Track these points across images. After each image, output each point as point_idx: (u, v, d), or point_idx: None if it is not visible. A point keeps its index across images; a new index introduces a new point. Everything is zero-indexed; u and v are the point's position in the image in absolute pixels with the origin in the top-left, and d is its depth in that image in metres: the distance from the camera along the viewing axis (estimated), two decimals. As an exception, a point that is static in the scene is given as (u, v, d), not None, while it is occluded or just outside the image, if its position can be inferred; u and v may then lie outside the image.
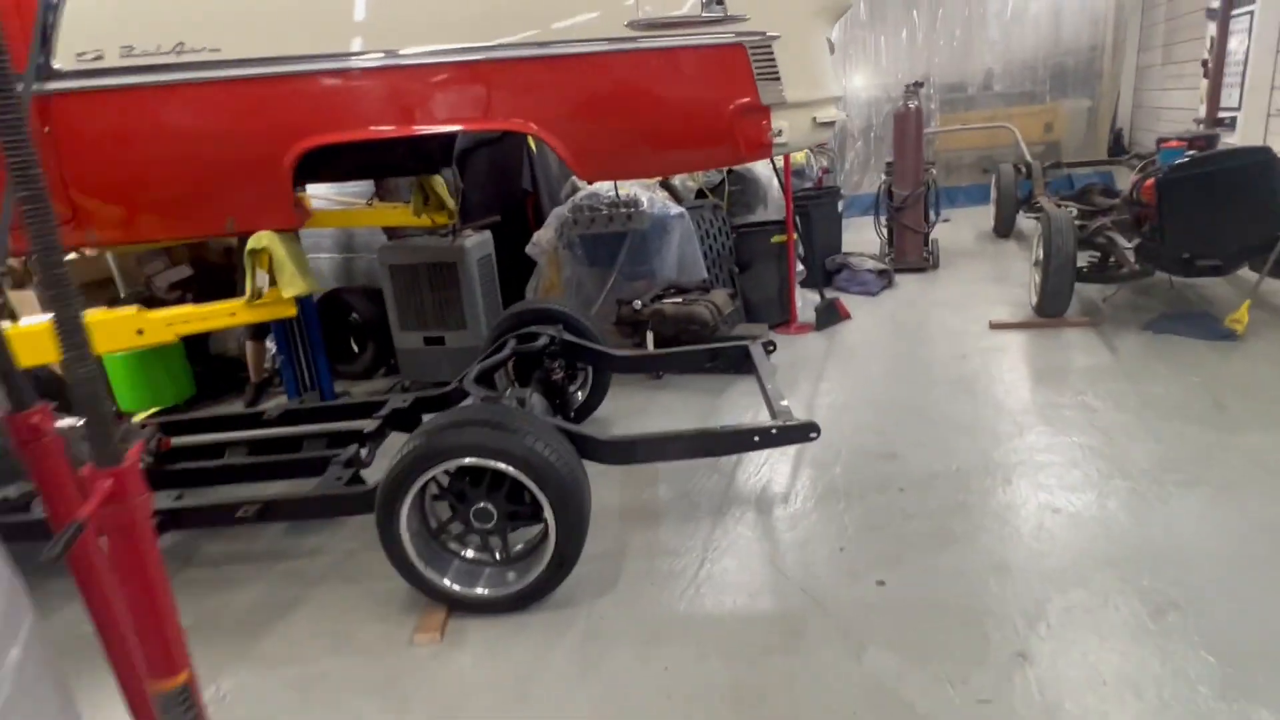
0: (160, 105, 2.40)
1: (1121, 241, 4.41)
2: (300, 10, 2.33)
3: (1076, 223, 5.19)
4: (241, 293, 3.17)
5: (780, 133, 2.21)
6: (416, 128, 2.19)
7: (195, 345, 5.03)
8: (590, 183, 4.67)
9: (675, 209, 4.70)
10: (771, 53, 2.17)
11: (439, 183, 3.86)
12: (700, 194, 5.83)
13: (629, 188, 4.78)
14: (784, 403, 2.91)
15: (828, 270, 6.23)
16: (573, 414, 3.88)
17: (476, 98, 2.14)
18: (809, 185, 7.05)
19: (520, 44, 2.10)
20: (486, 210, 5.25)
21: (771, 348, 3.69)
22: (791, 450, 3.47)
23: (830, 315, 5.32)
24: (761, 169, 5.85)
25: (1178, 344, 4.33)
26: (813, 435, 2.73)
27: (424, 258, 4.57)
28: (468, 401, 3.06)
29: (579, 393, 3.94)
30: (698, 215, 5.05)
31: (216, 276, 5.06)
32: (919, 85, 6.55)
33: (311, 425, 3.69)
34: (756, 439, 2.75)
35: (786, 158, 5.10)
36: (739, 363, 3.65)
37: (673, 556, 2.82)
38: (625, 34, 2.11)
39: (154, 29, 2.33)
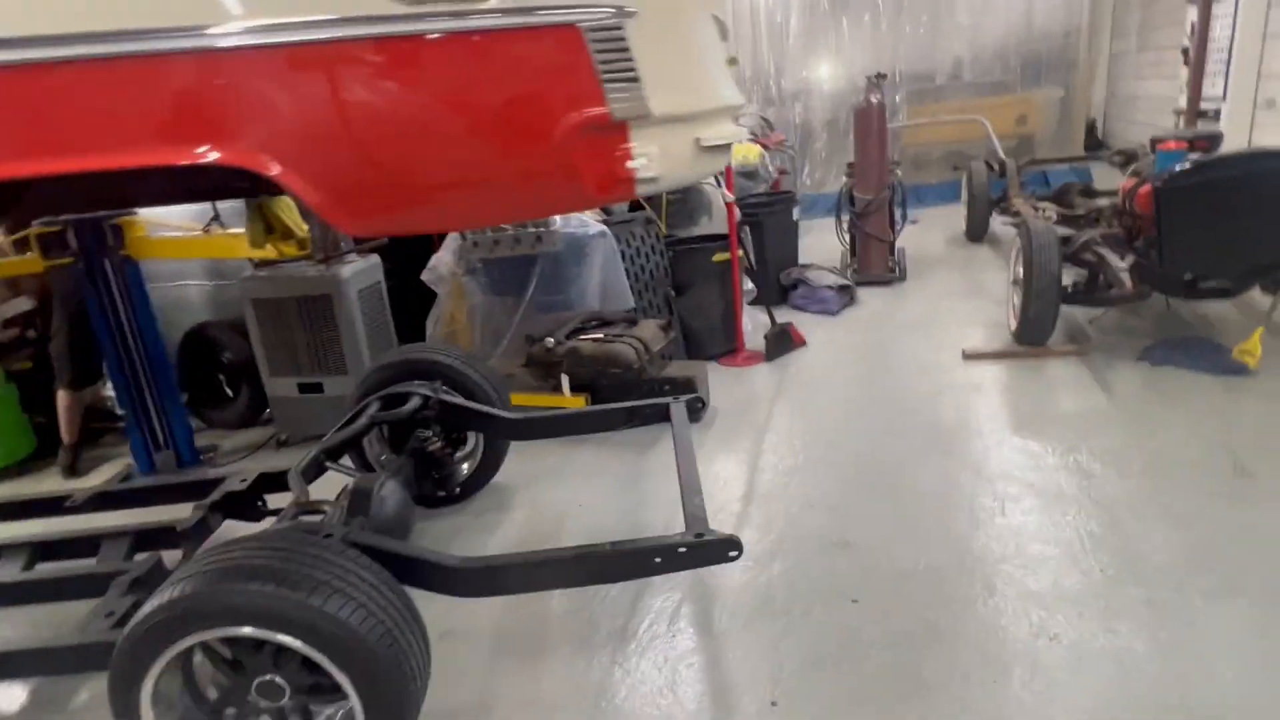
0: None
1: (1113, 260, 3.79)
2: None
3: (1060, 232, 4.57)
4: None
5: (646, 161, 1.45)
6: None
7: (40, 392, 4.22)
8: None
9: (595, 227, 3.98)
10: (624, 41, 1.40)
11: (284, 205, 3.10)
12: (635, 205, 5.11)
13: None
14: (698, 500, 2.22)
15: (783, 286, 5.55)
16: (457, 489, 3.16)
17: (149, 117, 1.40)
18: (763, 190, 6.36)
19: (229, 30, 1.36)
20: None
21: (700, 405, 3.00)
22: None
23: (782, 343, 4.64)
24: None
25: (1180, 379, 3.71)
26: (732, 555, 2.04)
27: (293, 290, 3.81)
28: (286, 507, 2.32)
29: (465, 464, 3.22)
30: (626, 231, 4.34)
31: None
32: (881, 77, 5.88)
33: (128, 511, 2.97)
34: (659, 560, 2.05)
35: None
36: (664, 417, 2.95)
37: (554, 713, 2.12)
38: (395, 10, 1.35)
39: None
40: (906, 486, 3.02)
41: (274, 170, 1.35)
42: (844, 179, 6.07)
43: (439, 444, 3.00)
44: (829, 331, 5.01)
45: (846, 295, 5.44)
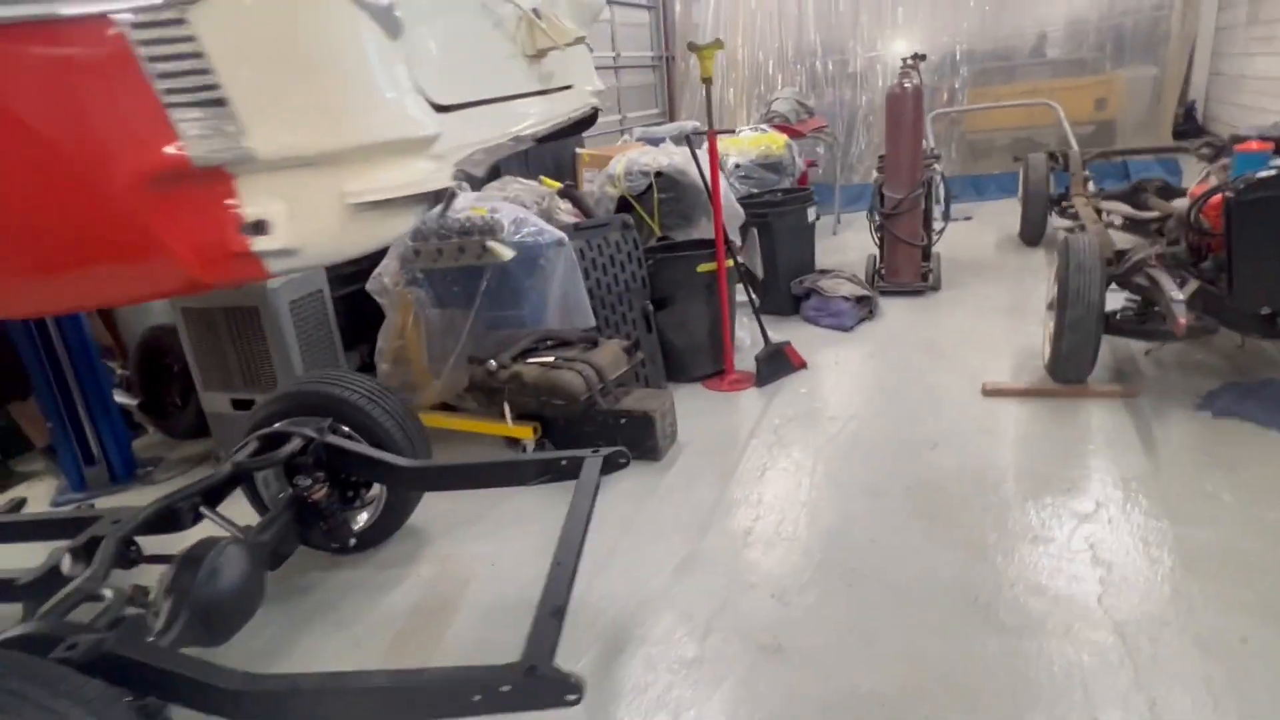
0: None
1: (1168, 287, 3.09)
2: None
3: (1117, 244, 3.86)
4: None
5: (265, 228, 1.01)
6: None
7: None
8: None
9: (552, 234, 3.51)
10: (192, 40, 0.94)
11: None
12: (623, 205, 4.62)
13: (495, 202, 3.61)
14: (555, 616, 1.76)
15: (794, 296, 4.97)
16: (351, 541, 2.78)
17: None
18: (784, 185, 5.74)
19: None
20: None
21: (623, 461, 2.51)
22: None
23: (776, 366, 4.09)
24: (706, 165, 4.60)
25: (1247, 438, 3.01)
26: (570, 699, 1.58)
27: (221, 300, 3.50)
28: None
29: (364, 513, 2.83)
30: (599, 237, 3.86)
31: None
32: (920, 58, 5.16)
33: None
34: (478, 699, 1.61)
35: (712, 144, 3.82)
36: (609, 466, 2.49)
37: None
38: None
39: None
40: (872, 575, 2.47)
41: None
42: (875, 174, 5.39)
43: (323, 491, 2.62)
44: (837, 350, 4.42)
45: (865, 308, 4.81)
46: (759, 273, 4.93)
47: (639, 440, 3.36)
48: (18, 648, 1.64)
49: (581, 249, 3.81)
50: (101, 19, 0.87)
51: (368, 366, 4.05)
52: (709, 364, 4.15)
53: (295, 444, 2.55)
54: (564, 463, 2.51)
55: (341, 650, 2.43)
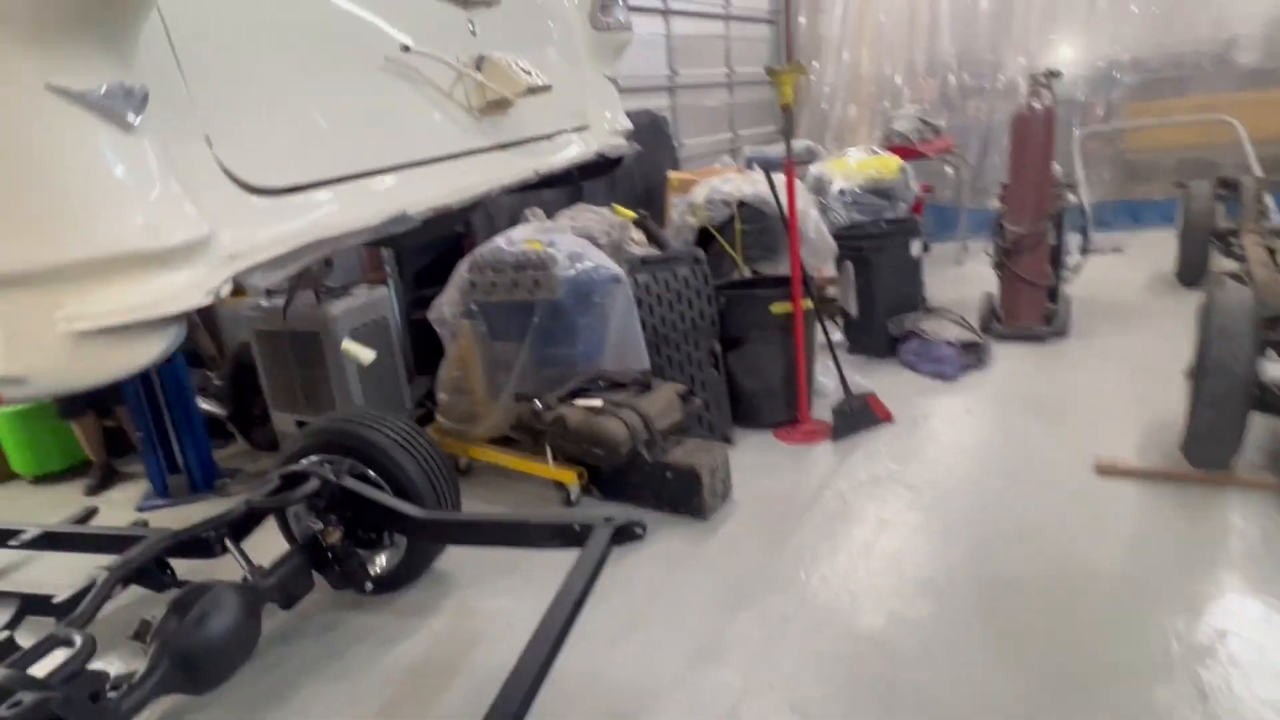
0: None
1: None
2: None
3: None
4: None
5: None
6: None
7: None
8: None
9: (609, 270, 3.33)
10: None
11: None
12: (704, 237, 4.37)
13: (555, 234, 3.48)
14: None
15: (892, 337, 4.52)
16: (368, 586, 2.71)
17: None
18: (896, 213, 5.27)
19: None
20: (420, 257, 4.21)
21: (639, 533, 2.29)
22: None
23: (857, 418, 3.70)
24: (799, 194, 4.27)
25: None
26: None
27: (289, 325, 3.58)
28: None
29: (382, 556, 2.76)
30: (666, 271, 3.64)
31: None
32: (1053, 75, 4.57)
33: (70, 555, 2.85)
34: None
35: (790, 176, 3.50)
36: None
37: None
38: None
39: None
40: (915, 699, 2.09)
41: None
42: (996, 203, 4.83)
43: (337, 535, 2.56)
44: (932, 403, 3.95)
45: (972, 355, 4.30)
46: (852, 311, 4.52)
47: (685, 497, 3.12)
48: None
49: (647, 283, 3.61)
50: None
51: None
52: (782, 411, 3.82)
53: (312, 485, 2.51)
54: (577, 528, 2.32)
55: (337, 705, 2.34)
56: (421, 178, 1.43)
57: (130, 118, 0.86)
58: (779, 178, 3.61)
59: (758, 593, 2.61)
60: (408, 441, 2.72)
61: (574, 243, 3.42)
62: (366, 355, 2.86)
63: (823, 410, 3.84)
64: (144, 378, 3.74)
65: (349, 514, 2.59)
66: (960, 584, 2.52)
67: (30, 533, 2.89)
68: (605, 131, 2.14)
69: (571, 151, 1.97)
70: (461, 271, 3.50)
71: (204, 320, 4.76)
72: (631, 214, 4.04)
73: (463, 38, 1.56)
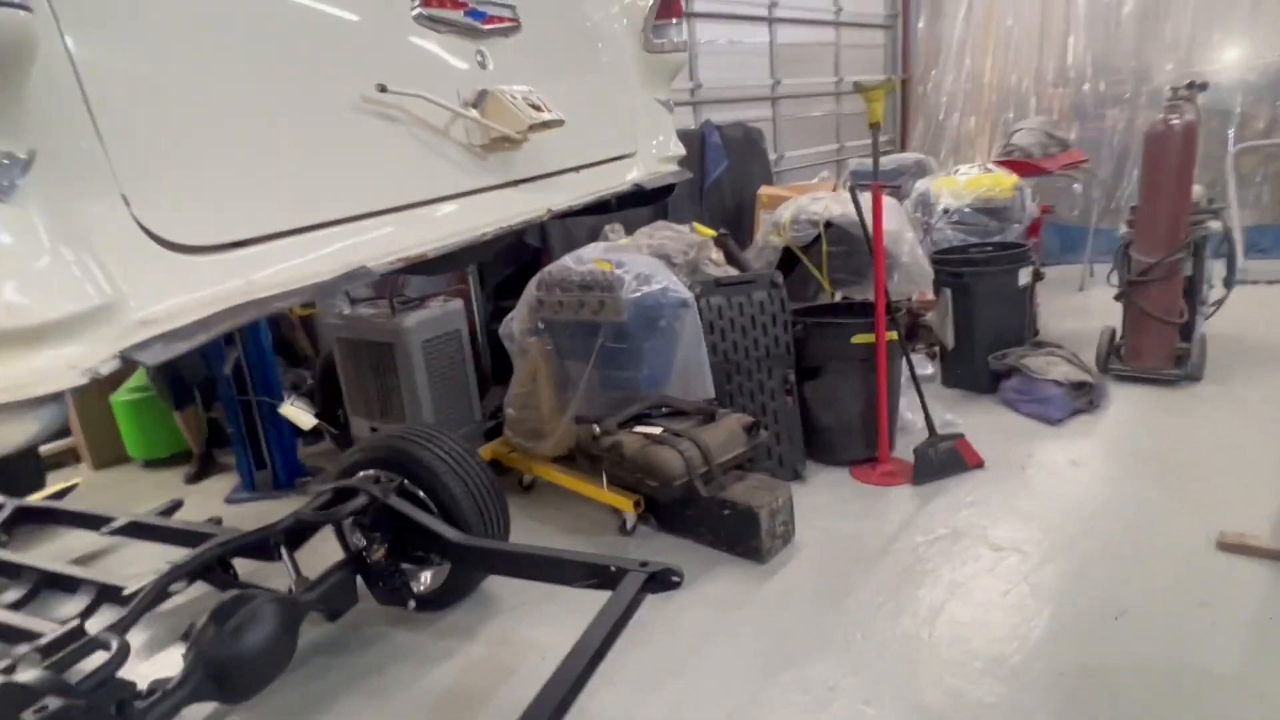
0: None
1: None
2: None
3: None
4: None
5: None
6: None
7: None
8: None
9: (677, 295, 3.21)
10: None
11: None
12: (790, 259, 4.18)
13: (626, 254, 3.39)
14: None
15: (993, 372, 4.16)
16: (411, 604, 2.71)
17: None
18: (1008, 234, 4.86)
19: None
20: (500, 270, 4.24)
21: (676, 581, 2.17)
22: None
23: (941, 463, 3.41)
24: (890, 215, 4.01)
25: None
26: None
27: (365, 334, 3.67)
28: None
29: (426, 575, 2.75)
30: (741, 295, 3.48)
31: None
32: (1196, 87, 4.06)
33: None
34: None
35: (876, 199, 3.25)
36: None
37: None
38: None
39: None
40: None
41: None
42: (1123, 228, 4.36)
43: (381, 552, 2.57)
44: (1032, 448, 3.59)
45: (1083, 397, 3.89)
46: (948, 341, 4.20)
47: (741, 537, 2.96)
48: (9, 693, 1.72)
49: (720, 307, 3.47)
50: None
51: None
52: (860, 448, 3.58)
53: (359, 502, 2.53)
54: (612, 570, 2.23)
55: (367, 725, 2.35)
56: (395, 224, 1.36)
57: (3, 188, 0.85)
58: (869, 197, 3.37)
59: (807, 653, 2.43)
60: (459, 464, 2.71)
61: (644, 263, 3.33)
62: (305, 421, 2.92)
63: (906, 449, 3.57)
64: (237, 376, 3.93)
65: (394, 532, 2.60)
66: (1037, 667, 2.24)
67: (119, 522, 3.08)
68: (653, 158, 2.03)
69: (603, 184, 1.87)
70: (531, 289, 3.47)
71: (302, 322, 4.99)
72: (711, 232, 3.90)
73: (467, 71, 1.49)
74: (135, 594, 2.36)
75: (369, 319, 3.65)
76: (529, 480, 3.70)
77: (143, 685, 1.99)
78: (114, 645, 1.92)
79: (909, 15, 7.88)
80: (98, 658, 1.91)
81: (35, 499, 3.52)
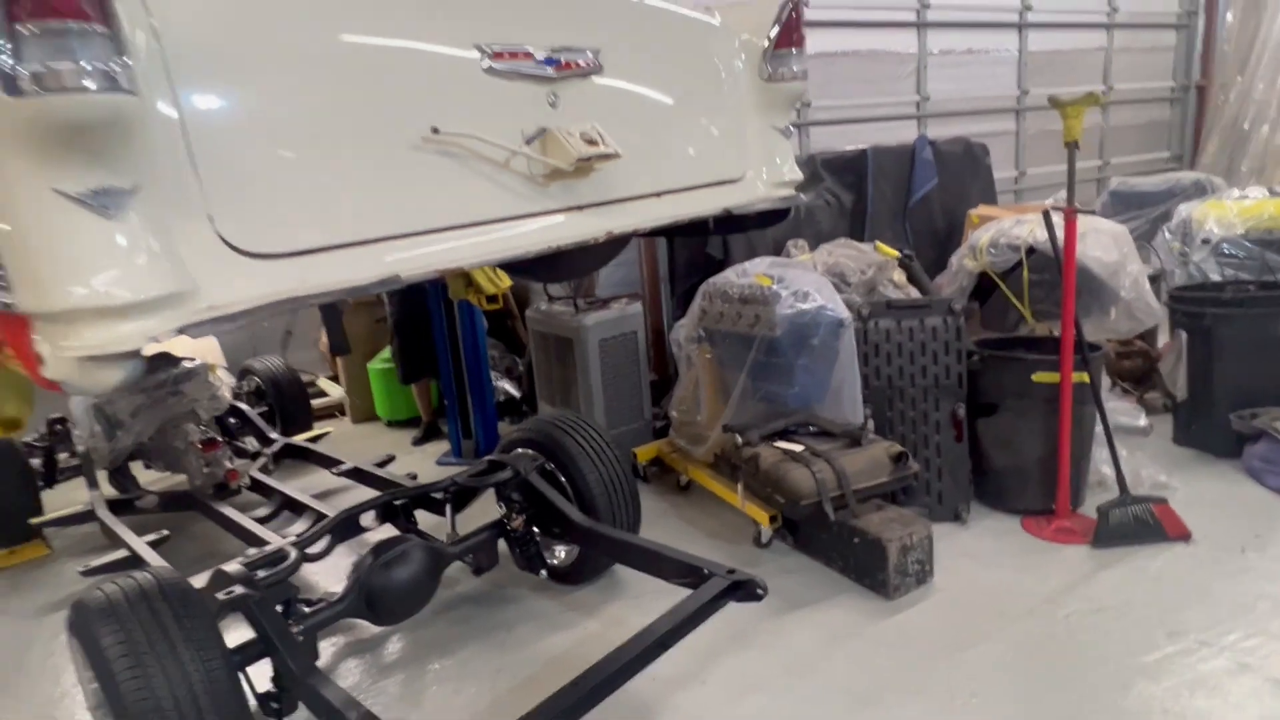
0: None
1: None
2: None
3: None
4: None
5: (43, 360, 1.23)
6: None
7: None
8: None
9: (835, 315, 3.16)
10: None
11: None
12: (982, 285, 3.88)
13: (792, 269, 3.40)
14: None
15: (1238, 434, 3.51)
16: (542, 573, 3.00)
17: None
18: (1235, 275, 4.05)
19: None
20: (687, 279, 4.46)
21: (760, 593, 2.22)
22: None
23: (1134, 528, 2.99)
24: (1108, 244, 3.57)
25: None
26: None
27: (552, 328, 4.08)
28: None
29: (561, 550, 3.02)
30: (913, 319, 3.33)
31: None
32: None
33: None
34: None
35: (1070, 228, 2.93)
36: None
37: None
38: None
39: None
40: None
41: None
42: None
43: (519, 521, 2.89)
44: (1263, 528, 3.00)
45: (1357, 476, 3.15)
46: (1178, 393, 3.61)
47: (869, 569, 2.87)
48: (211, 580, 2.26)
49: (889, 330, 3.36)
50: None
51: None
52: (1037, 497, 3.25)
53: (504, 475, 2.88)
54: (704, 572, 2.33)
55: (486, 671, 2.66)
56: (443, 242, 1.59)
57: (105, 209, 1.21)
58: (1057, 220, 3.04)
59: (900, 699, 2.31)
60: (597, 455, 2.94)
61: (806, 280, 3.32)
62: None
63: (1078, 505, 3.18)
64: (454, 357, 4.55)
65: (533, 507, 2.91)
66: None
67: (345, 466, 3.75)
68: (764, 184, 2.07)
69: (687, 209, 1.96)
70: (697, 298, 3.63)
71: (521, 312, 5.60)
72: (894, 253, 3.76)
73: (532, 111, 1.68)
74: (327, 521, 2.91)
75: (558, 315, 4.04)
76: (685, 481, 3.85)
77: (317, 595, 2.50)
78: (292, 556, 2.41)
79: (1214, 11, 6.74)
80: (286, 565, 2.41)
81: (299, 439, 4.38)
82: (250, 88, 1.44)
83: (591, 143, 1.70)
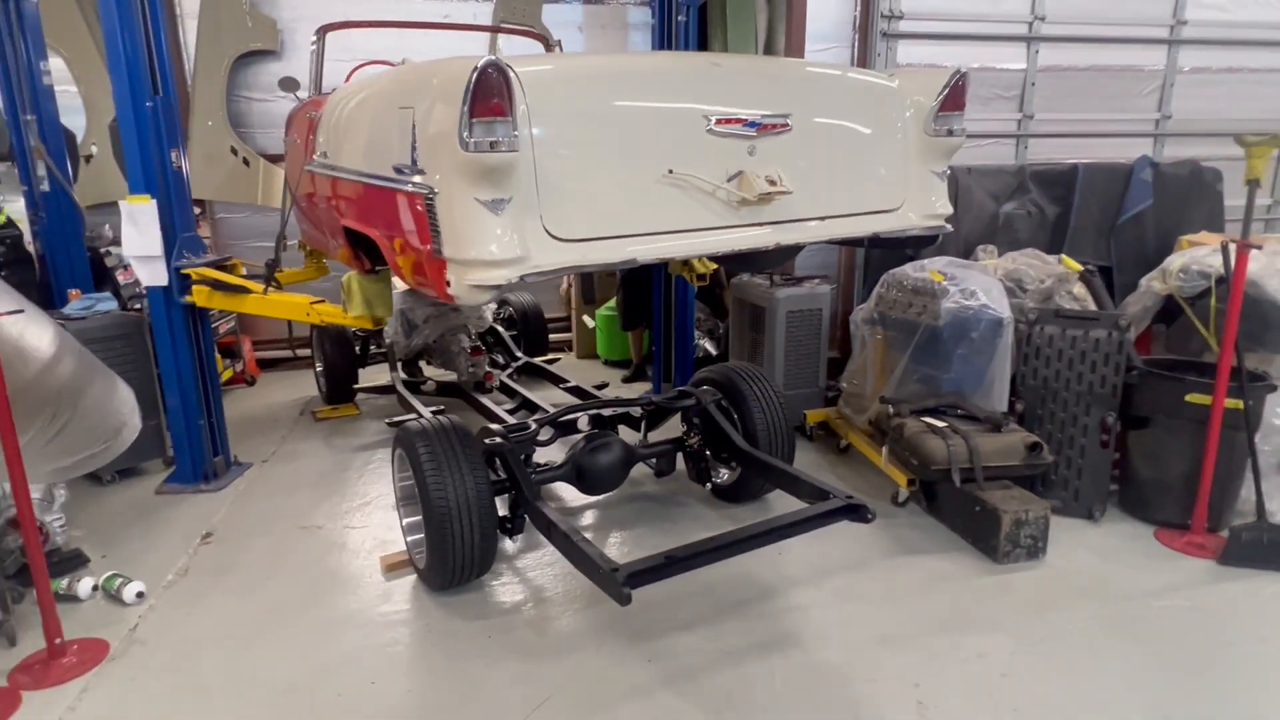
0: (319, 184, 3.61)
1: None
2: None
3: None
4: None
5: (449, 284, 2.26)
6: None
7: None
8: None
9: (995, 314, 3.53)
10: (434, 207, 2.22)
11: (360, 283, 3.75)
12: (1170, 309, 3.99)
13: (963, 271, 3.81)
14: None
15: None
16: (708, 487, 3.75)
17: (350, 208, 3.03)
18: None
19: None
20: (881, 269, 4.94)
21: (869, 517, 2.81)
22: None
23: (1265, 552, 3.13)
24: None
25: None
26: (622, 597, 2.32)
27: (751, 296, 4.76)
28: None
29: (724, 472, 3.74)
30: (1077, 329, 3.60)
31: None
32: None
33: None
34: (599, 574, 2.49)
35: (1240, 265, 3.07)
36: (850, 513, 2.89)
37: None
38: (391, 175, 2.50)
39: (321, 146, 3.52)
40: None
41: (371, 234, 2.68)
42: None
43: (695, 439, 3.66)
44: None
45: None
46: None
47: (983, 534, 3.31)
48: (479, 433, 3.26)
49: (1052, 336, 3.67)
50: (417, 195, 2.30)
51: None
52: (1175, 511, 3.44)
53: (687, 402, 3.65)
54: (828, 494, 2.94)
55: (646, 546, 3.40)
56: (666, 240, 2.47)
57: (497, 210, 2.21)
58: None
59: (981, 629, 2.79)
60: (765, 401, 3.62)
61: (976, 281, 3.72)
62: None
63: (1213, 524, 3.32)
64: (666, 316, 5.39)
65: (708, 431, 3.65)
66: None
67: (570, 383, 4.75)
68: (916, 215, 2.73)
69: (842, 231, 2.68)
70: (878, 285, 4.13)
71: (728, 280, 6.33)
72: (1078, 266, 3.98)
73: (736, 158, 2.49)
74: (554, 413, 3.86)
75: (756, 286, 4.71)
76: (845, 445, 4.41)
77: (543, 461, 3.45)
78: (531, 427, 3.37)
79: None
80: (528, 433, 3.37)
81: (537, 360, 5.47)
82: (565, 144, 2.36)
83: (772, 182, 2.45)
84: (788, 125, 2.57)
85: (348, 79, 4.34)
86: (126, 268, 5.33)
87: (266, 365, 6.35)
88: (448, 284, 2.30)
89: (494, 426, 3.33)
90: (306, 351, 6.22)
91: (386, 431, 4.94)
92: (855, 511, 2.81)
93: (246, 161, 6.03)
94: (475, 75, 2.07)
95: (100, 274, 5.02)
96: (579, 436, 3.54)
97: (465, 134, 2.10)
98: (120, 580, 3.10)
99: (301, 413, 5.37)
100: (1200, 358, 3.95)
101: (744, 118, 2.49)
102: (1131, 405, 3.54)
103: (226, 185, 6.02)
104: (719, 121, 2.48)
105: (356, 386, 5.29)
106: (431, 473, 2.85)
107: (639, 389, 5.82)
